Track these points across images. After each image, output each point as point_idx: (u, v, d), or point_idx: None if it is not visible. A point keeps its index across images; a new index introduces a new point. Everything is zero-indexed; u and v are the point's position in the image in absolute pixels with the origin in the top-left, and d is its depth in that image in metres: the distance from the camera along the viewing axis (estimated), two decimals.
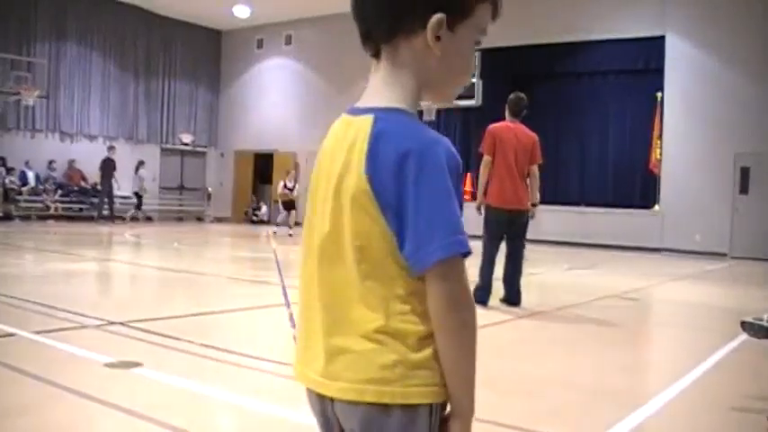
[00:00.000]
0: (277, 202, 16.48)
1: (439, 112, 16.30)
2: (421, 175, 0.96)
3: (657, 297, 8.15)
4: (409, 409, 0.99)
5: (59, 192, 17.50)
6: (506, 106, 6.38)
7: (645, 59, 15.48)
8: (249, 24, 20.70)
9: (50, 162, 17.65)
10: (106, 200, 17.41)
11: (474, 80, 14.74)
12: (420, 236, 0.96)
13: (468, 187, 15.00)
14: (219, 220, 21.25)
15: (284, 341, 4.40)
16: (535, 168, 6.27)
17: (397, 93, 1.05)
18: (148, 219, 19.07)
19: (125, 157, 18.60)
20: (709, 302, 7.55)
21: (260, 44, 21.37)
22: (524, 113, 6.36)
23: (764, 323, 3.51)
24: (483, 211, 6.30)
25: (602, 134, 16.91)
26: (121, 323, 4.67)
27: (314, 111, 19.45)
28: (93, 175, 17.84)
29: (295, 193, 15.38)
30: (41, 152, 17.56)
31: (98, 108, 19.00)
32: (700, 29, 14.28)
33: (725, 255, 13.76)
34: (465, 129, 17.39)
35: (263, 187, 21.33)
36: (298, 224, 16.07)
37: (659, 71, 14.81)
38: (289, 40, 20.67)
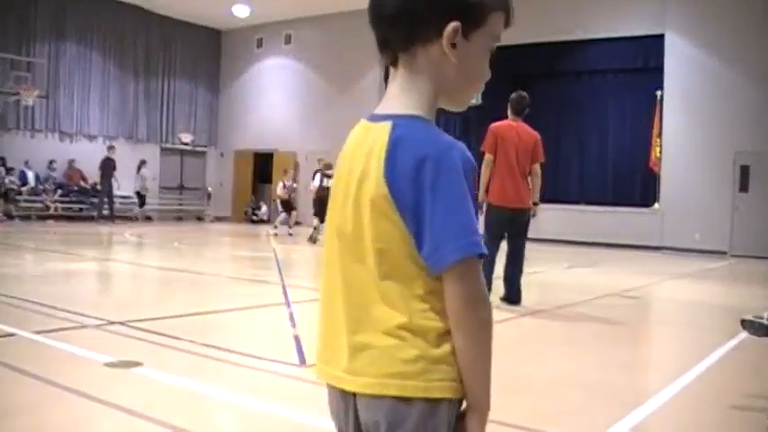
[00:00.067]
0: (275, 201, 16.43)
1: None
2: (437, 180, 1.00)
3: (658, 295, 8.15)
4: (431, 402, 1.02)
5: (59, 192, 17.47)
6: (508, 105, 6.37)
7: (644, 58, 15.49)
8: (249, 24, 20.68)
9: (50, 162, 17.63)
10: (106, 200, 17.38)
11: None
12: (437, 237, 1.00)
13: None
14: (219, 219, 21.23)
15: (284, 341, 4.40)
16: (537, 167, 6.27)
17: (415, 99, 1.09)
18: (148, 218, 19.06)
19: (125, 156, 18.58)
20: (710, 301, 7.55)
21: (259, 43, 21.34)
22: (527, 112, 6.36)
23: (765, 321, 3.50)
24: (484, 210, 6.30)
25: (602, 133, 16.93)
26: (121, 323, 4.67)
27: (314, 110, 19.46)
28: (93, 174, 17.80)
29: (294, 186, 15.26)
30: (41, 152, 17.54)
31: (98, 108, 18.98)
32: (699, 27, 14.27)
33: (725, 253, 13.75)
34: (465, 128, 17.36)
35: (262, 187, 21.30)
36: (298, 224, 16.07)
37: (659, 70, 14.80)
38: (288, 40, 20.64)
